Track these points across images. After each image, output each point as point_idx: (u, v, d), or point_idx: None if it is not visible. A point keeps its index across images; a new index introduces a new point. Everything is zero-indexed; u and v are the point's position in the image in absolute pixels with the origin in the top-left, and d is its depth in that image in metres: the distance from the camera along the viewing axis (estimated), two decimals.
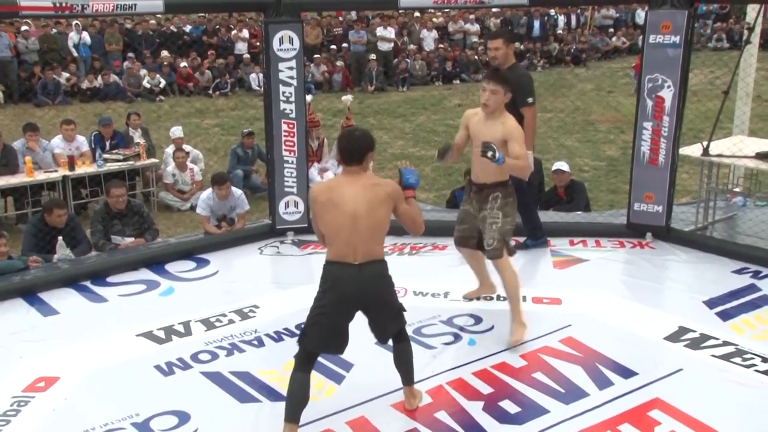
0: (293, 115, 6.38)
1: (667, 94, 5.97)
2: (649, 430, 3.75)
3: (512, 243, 4.89)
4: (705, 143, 6.29)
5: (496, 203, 4.61)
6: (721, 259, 5.88)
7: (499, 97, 4.51)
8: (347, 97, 9.81)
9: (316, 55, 17.30)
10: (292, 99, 6.34)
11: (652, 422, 3.81)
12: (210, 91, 16.04)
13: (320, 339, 3.70)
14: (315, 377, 4.27)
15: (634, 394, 4.06)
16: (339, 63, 17.41)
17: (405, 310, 3.90)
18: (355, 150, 3.69)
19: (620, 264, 6.02)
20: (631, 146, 6.31)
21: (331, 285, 3.66)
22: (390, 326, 3.84)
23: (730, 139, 6.71)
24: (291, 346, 4.66)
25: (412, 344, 4.59)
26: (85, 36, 16.35)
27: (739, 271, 5.68)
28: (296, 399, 3.66)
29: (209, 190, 6.93)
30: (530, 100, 5.55)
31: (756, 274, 5.59)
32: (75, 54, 16.18)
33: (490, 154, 4.30)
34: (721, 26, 21.92)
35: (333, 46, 18.47)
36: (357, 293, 3.65)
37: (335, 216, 3.62)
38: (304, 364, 3.72)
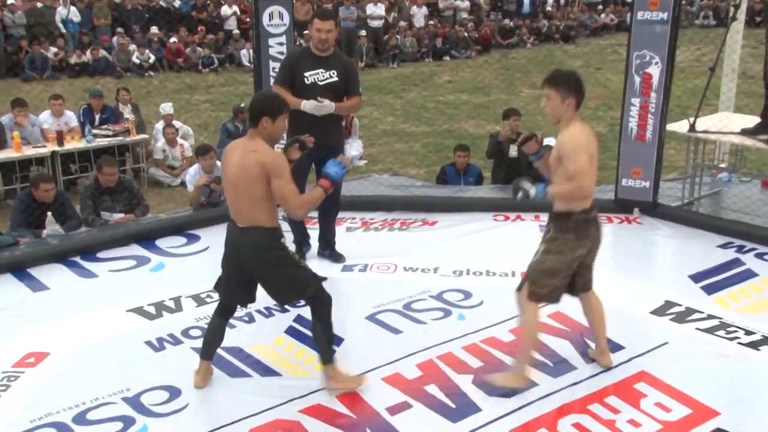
0: None
1: (655, 71, 5.95)
2: (635, 402, 3.78)
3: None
4: (691, 119, 6.28)
5: (547, 235, 3.85)
6: (706, 234, 5.90)
7: (555, 103, 3.70)
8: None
9: (306, 31, 17.13)
10: None
11: (638, 394, 3.84)
12: (200, 67, 15.89)
13: (224, 290, 3.94)
14: (305, 351, 4.31)
15: (620, 368, 4.08)
16: None
17: (310, 284, 3.77)
18: (251, 110, 3.69)
19: (608, 239, 5.94)
20: (619, 122, 6.29)
21: (225, 241, 3.83)
22: (280, 295, 3.89)
23: (716, 116, 6.70)
24: (281, 321, 4.69)
25: (403, 319, 4.67)
26: (74, 10, 16.12)
27: (724, 246, 5.70)
28: (208, 339, 4.00)
29: (197, 165, 6.89)
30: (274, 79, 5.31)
31: (740, 249, 5.61)
32: (63, 29, 15.96)
33: (519, 195, 3.76)
34: (708, 3, 21.84)
35: None
36: (236, 255, 3.76)
37: (224, 178, 3.76)
38: (221, 310, 4.00)
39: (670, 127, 6.33)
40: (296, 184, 5.25)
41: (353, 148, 9.66)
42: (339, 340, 4.40)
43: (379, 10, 18.01)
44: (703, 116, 6.44)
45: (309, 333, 4.47)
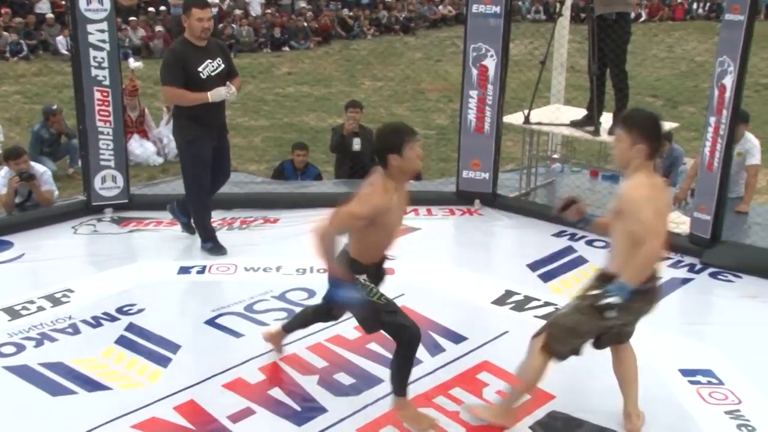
0: (107, 83, 6.02)
1: (491, 63, 6.20)
2: (477, 392, 3.91)
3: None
4: (526, 112, 6.59)
5: (588, 289, 3.44)
6: (542, 223, 6.20)
7: (623, 146, 3.26)
8: (137, 64, 9.49)
9: (132, 18, 16.47)
10: (105, 65, 5.98)
11: (481, 384, 3.97)
12: (7, 55, 14.80)
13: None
14: (138, 362, 4.15)
15: (464, 359, 4.21)
16: (159, 28, 16.68)
17: (379, 321, 3.55)
18: (377, 152, 3.45)
19: (451, 231, 6.22)
20: (459, 115, 6.50)
21: None
22: (360, 321, 3.68)
23: (548, 108, 7.07)
24: (110, 331, 4.48)
25: (245, 321, 4.60)
26: None
27: (558, 234, 6.02)
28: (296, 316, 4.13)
29: (6, 168, 6.43)
30: (162, 80, 5.29)
31: (572, 237, 5.94)
32: None
33: (610, 314, 3.23)
34: None
35: (151, 9, 17.66)
36: None
37: None
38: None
39: (507, 119, 6.61)
40: (201, 174, 5.36)
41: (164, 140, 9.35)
42: (175, 347, 4.29)
43: None
44: (537, 108, 6.78)
45: (141, 341, 4.33)
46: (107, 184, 6.26)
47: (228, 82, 5.24)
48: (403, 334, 3.51)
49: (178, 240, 5.80)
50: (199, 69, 5.14)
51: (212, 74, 5.19)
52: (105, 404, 3.78)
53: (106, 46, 5.96)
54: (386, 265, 3.75)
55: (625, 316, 3.31)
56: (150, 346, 4.31)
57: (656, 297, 3.43)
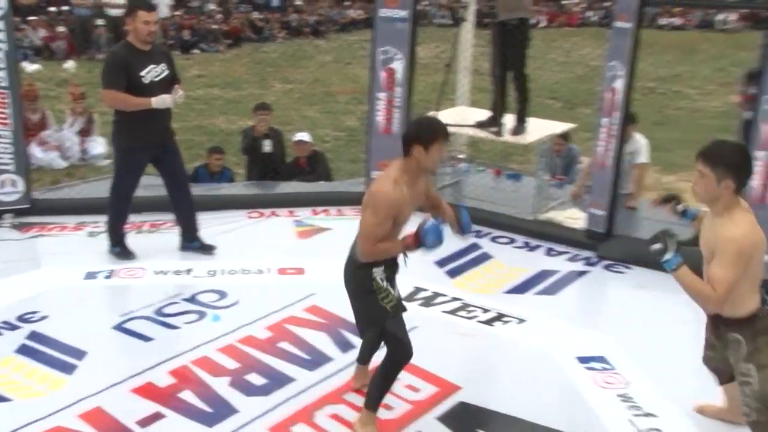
0: (4, 84, 5.78)
1: (398, 66, 6.26)
2: None
3: None
4: (432, 113, 6.67)
5: (741, 352, 3.11)
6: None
7: (709, 184, 3.00)
8: (69, 64, 9.18)
9: (32, 17, 15.85)
10: (3, 65, 5.73)
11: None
12: None
13: None
14: (38, 371, 4.00)
15: (375, 355, 4.22)
16: (61, 29, 16.07)
17: (377, 324, 3.46)
18: (406, 137, 3.33)
19: None
20: (368, 117, 6.53)
21: None
22: (360, 325, 3.59)
23: (454, 110, 7.17)
24: (10, 340, 4.29)
25: (154, 325, 4.51)
26: None
27: None
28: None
29: None
30: (103, 83, 5.07)
31: (478, 234, 6.05)
32: None
33: (657, 247, 3.09)
34: (445, 4, 23.34)
35: (52, 8, 16.99)
36: (344, 273, 3.58)
37: None
38: None
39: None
40: (127, 182, 5.22)
41: (95, 146, 9.15)
42: (81, 354, 4.16)
43: None
44: (443, 110, 6.87)
45: (43, 348, 4.18)
46: (6, 188, 6.01)
47: (176, 87, 5.09)
48: (398, 349, 3.43)
49: (84, 245, 5.62)
50: (142, 73, 4.94)
51: (155, 79, 5.00)
52: (3, 416, 3.61)
53: (4, 46, 5.71)
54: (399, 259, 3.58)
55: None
56: (53, 354, 4.15)
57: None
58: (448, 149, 3.38)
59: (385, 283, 3.42)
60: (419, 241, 3.28)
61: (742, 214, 3.01)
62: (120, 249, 5.41)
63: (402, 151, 3.33)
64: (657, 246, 3.06)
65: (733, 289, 2.96)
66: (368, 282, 3.40)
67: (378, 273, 3.41)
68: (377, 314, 3.42)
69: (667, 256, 3.03)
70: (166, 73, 5.09)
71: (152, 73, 5.00)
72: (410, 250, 3.37)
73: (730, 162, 2.96)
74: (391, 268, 3.49)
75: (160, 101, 4.95)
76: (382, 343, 3.53)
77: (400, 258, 3.53)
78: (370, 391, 3.54)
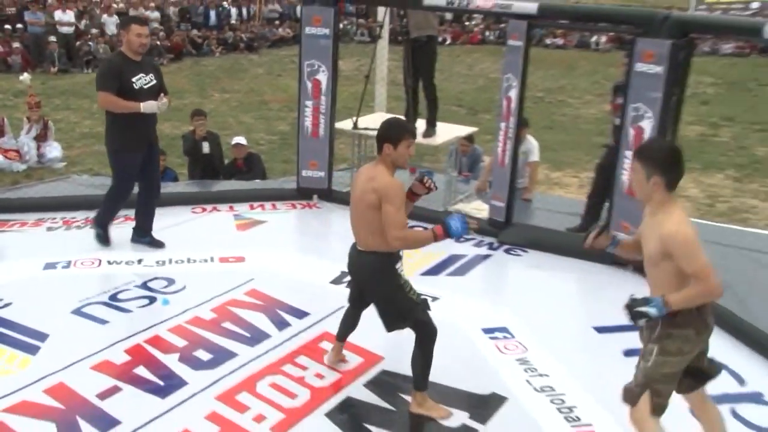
0: None
1: (323, 77, 6.24)
2: (319, 358, 3.94)
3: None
4: (354, 119, 6.68)
5: (653, 334, 2.81)
6: None
7: (639, 178, 2.79)
8: (25, 76, 8.82)
9: (6, 26, 15.12)
10: None
11: (322, 351, 4.01)
12: None
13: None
14: (6, 352, 3.86)
15: (307, 331, 4.23)
16: (16, 45, 15.39)
17: (415, 313, 3.33)
18: (377, 137, 3.30)
19: (293, 222, 6.21)
20: (297, 122, 6.49)
21: (348, 255, 3.53)
22: (386, 320, 3.43)
23: (373, 115, 7.19)
24: None
25: (109, 310, 4.39)
26: None
27: None
28: (342, 321, 3.82)
29: None
30: (98, 86, 4.92)
31: None
32: None
33: (640, 322, 2.79)
34: (364, 23, 23.33)
35: (8, 26, 16.27)
36: (353, 272, 3.55)
37: (351, 199, 3.45)
38: (350, 301, 3.77)
39: (338, 125, 6.66)
40: (124, 179, 5.07)
41: (51, 150, 8.82)
42: (43, 336, 4.02)
43: (68, 17, 16.44)
44: (364, 116, 6.89)
45: (8, 332, 4.03)
46: None
47: (162, 95, 4.95)
48: (428, 331, 3.35)
49: (43, 238, 5.42)
50: (133, 80, 4.84)
51: (144, 87, 4.89)
52: None
53: None
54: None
55: (706, 334, 2.82)
56: (18, 337, 4.01)
57: (706, 326, 2.82)
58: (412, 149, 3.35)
59: (406, 277, 3.37)
60: (446, 230, 3.22)
61: (675, 209, 2.76)
62: (103, 233, 5.29)
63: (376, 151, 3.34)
64: (637, 318, 2.75)
65: (713, 275, 2.65)
66: (395, 279, 3.33)
67: (400, 268, 3.36)
68: (408, 306, 3.34)
69: (651, 311, 2.71)
70: (154, 82, 4.97)
71: (142, 80, 4.90)
72: (438, 240, 3.26)
73: (658, 158, 2.74)
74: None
75: (148, 106, 4.86)
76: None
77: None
78: (415, 373, 3.42)
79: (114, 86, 4.82)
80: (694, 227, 2.74)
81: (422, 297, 3.43)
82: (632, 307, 2.75)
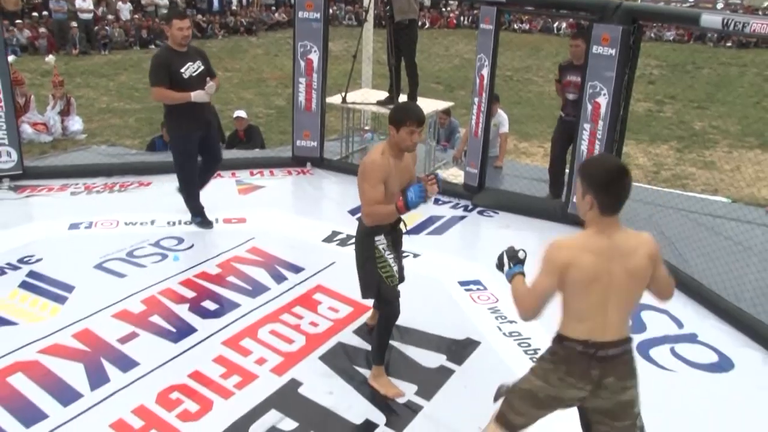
0: None
1: (315, 57, 6.10)
2: (313, 308, 3.93)
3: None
4: (343, 94, 6.57)
5: (546, 352, 2.33)
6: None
7: (577, 194, 2.23)
8: (50, 58, 8.57)
9: (18, 21, 14.69)
10: None
11: (316, 302, 3.99)
12: None
13: None
14: (39, 301, 3.83)
15: (302, 284, 4.19)
16: (42, 30, 15.02)
17: (374, 290, 3.12)
18: (388, 117, 3.01)
19: (289, 187, 6.14)
20: (292, 97, 6.37)
21: None
22: (360, 285, 3.20)
23: (360, 91, 7.08)
24: (14, 277, 4.10)
25: (127, 265, 4.34)
26: None
27: None
28: None
29: None
30: (150, 82, 4.66)
31: None
32: None
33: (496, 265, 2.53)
34: (351, 9, 22.84)
35: (35, 14, 15.85)
36: None
37: None
38: None
39: (329, 100, 6.55)
40: (189, 163, 4.84)
41: (74, 123, 8.65)
42: (70, 288, 3.98)
43: (87, 4, 15.96)
44: (352, 92, 6.77)
45: (40, 284, 3.98)
46: (3, 158, 5.59)
47: (208, 79, 4.65)
48: (388, 310, 3.13)
49: (68, 202, 5.33)
50: (182, 70, 4.57)
51: (194, 74, 4.62)
52: (14, 336, 3.47)
53: None
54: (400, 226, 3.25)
55: (582, 383, 2.22)
56: (49, 288, 3.97)
57: (619, 372, 2.22)
58: (419, 132, 3.03)
59: (386, 253, 3.11)
60: (405, 201, 2.97)
61: (588, 231, 2.18)
62: (201, 218, 5.03)
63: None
64: (500, 264, 2.49)
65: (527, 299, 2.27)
66: (370, 249, 3.10)
67: (380, 242, 3.10)
68: (373, 279, 3.11)
69: (506, 269, 2.43)
70: (201, 68, 4.69)
71: (190, 69, 4.63)
72: (401, 212, 3.02)
73: (593, 177, 2.13)
74: (391, 235, 3.19)
75: (197, 96, 4.57)
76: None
77: (402, 227, 3.28)
78: (372, 346, 3.27)
79: (165, 80, 4.56)
80: (572, 252, 2.15)
81: (395, 280, 3.14)
82: (506, 255, 2.46)
